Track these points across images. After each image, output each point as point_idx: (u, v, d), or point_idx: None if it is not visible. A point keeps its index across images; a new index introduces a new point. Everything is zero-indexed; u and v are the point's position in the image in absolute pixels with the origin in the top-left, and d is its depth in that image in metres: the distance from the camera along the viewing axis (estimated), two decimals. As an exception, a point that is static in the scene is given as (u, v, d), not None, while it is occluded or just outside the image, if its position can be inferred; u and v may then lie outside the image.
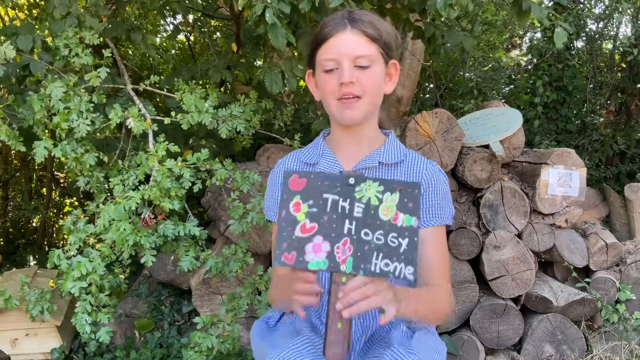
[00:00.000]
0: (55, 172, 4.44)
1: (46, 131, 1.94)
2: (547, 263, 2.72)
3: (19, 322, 2.31)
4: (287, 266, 1.02)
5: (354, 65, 1.22)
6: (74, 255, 1.81)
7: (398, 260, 1.01)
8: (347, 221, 1.03)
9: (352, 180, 1.05)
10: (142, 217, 1.79)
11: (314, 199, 1.04)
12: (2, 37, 2.01)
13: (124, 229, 1.71)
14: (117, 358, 2.39)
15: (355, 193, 1.04)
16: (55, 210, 4.61)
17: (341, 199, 1.04)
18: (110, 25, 2.33)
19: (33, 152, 1.86)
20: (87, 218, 1.92)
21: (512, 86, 4.82)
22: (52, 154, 1.88)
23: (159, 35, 4.35)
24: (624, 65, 4.08)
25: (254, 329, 1.39)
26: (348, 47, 1.22)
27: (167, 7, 2.87)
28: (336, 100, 1.25)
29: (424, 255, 1.30)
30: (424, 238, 1.29)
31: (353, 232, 1.03)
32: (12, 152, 4.36)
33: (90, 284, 1.76)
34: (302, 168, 1.36)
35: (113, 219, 1.73)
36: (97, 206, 1.95)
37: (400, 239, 1.03)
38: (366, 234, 1.03)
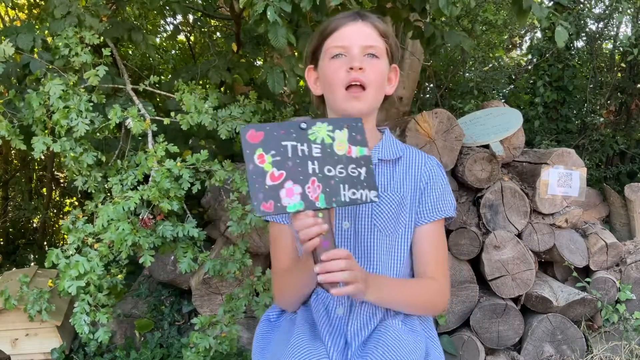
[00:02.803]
0: (55, 172, 4.44)
1: (46, 131, 1.94)
2: (547, 263, 2.72)
3: (19, 322, 2.31)
4: (267, 214, 1.08)
5: (363, 54, 1.24)
6: (72, 255, 1.80)
7: (362, 188, 1.13)
8: (309, 162, 1.11)
9: (303, 125, 1.12)
10: (141, 217, 1.78)
11: (274, 148, 1.09)
12: (2, 38, 2.01)
13: (123, 229, 1.70)
14: (117, 358, 2.39)
15: (309, 136, 1.12)
16: (55, 210, 4.61)
17: (299, 144, 1.11)
18: (110, 26, 2.33)
19: (32, 146, 1.85)
20: (86, 218, 1.92)
21: (512, 86, 4.82)
22: (51, 149, 1.87)
23: (159, 36, 4.35)
24: (624, 65, 4.08)
25: (255, 337, 1.39)
26: (359, 35, 1.24)
27: (167, 7, 2.87)
28: (344, 89, 1.25)
29: (420, 251, 1.32)
30: (422, 234, 1.32)
31: (317, 171, 1.11)
32: (12, 152, 4.36)
33: (88, 284, 1.75)
34: None
35: (112, 219, 1.73)
36: (96, 206, 1.95)
37: (358, 169, 1.13)
38: (329, 170, 1.12)
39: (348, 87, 1.24)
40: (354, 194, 1.12)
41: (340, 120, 1.14)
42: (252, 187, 1.08)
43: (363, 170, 1.13)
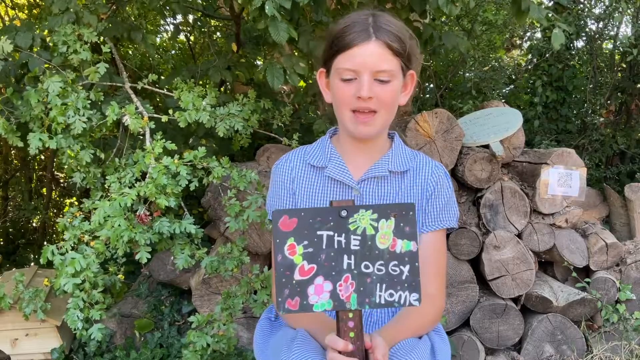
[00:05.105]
0: (55, 172, 4.44)
1: (43, 128, 1.93)
2: (547, 263, 2.71)
3: (19, 322, 2.31)
4: (292, 312, 1.00)
5: (373, 78, 1.19)
6: (67, 252, 1.80)
7: (402, 289, 1.01)
8: (345, 256, 1.01)
9: (344, 213, 1.01)
10: (138, 213, 1.78)
11: (308, 238, 1.00)
12: (1, 37, 2.01)
13: (119, 225, 1.69)
14: (117, 358, 2.39)
15: (349, 225, 1.01)
16: (55, 210, 4.61)
17: (336, 234, 1.01)
18: (110, 25, 2.33)
19: (28, 142, 1.85)
20: (83, 216, 1.91)
21: (512, 86, 4.82)
22: (47, 146, 1.86)
23: (159, 36, 4.35)
24: (624, 65, 4.07)
25: (256, 334, 1.39)
26: (371, 60, 1.18)
27: (167, 7, 2.87)
28: (350, 112, 1.22)
29: (420, 260, 1.31)
30: (422, 243, 1.30)
31: (353, 267, 1.01)
32: (12, 152, 4.36)
33: (83, 281, 1.75)
34: (308, 170, 1.34)
35: (108, 215, 1.72)
36: (93, 203, 1.95)
37: (401, 267, 1.02)
38: (366, 267, 1.01)
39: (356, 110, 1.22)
40: (391, 295, 1.01)
41: (388, 207, 1.03)
42: (279, 281, 0.99)
43: (406, 269, 1.01)
